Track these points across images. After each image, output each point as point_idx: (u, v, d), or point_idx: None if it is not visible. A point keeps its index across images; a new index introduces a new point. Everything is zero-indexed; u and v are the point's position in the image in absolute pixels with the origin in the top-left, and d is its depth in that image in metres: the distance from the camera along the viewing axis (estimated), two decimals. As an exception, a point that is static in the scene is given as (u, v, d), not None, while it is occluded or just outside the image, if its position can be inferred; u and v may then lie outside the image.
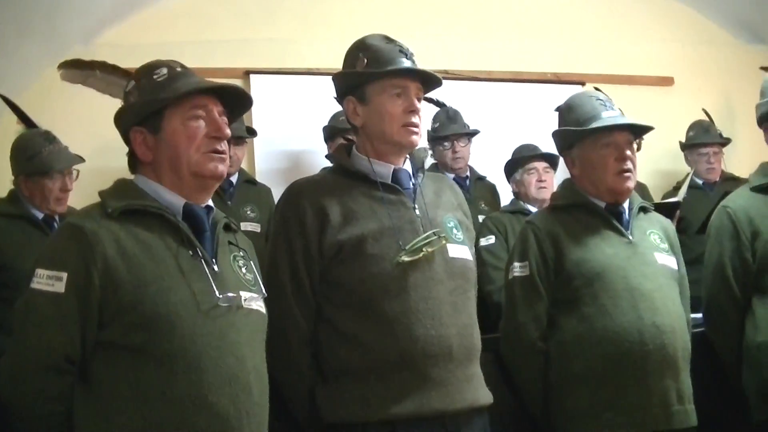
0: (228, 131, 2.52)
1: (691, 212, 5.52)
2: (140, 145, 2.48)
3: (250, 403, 2.37)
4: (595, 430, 3.11)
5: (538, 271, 3.25)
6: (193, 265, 2.38)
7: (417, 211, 2.91)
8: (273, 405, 2.54)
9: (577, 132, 3.32)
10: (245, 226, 5.27)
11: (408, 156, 3.03)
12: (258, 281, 2.58)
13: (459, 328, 2.84)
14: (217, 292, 2.37)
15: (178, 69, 2.54)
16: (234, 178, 5.46)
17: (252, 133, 5.58)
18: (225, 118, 2.54)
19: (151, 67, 2.55)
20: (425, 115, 5.49)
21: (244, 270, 2.54)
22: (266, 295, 2.59)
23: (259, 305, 2.52)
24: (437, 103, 5.78)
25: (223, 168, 2.51)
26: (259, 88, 6.09)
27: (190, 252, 2.40)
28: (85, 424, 2.27)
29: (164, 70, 2.52)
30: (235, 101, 2.62)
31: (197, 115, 2.47)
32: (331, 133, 5.48)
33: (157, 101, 2.46)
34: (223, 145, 2.51)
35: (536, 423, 3.29)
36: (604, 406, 3.10)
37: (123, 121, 2.52)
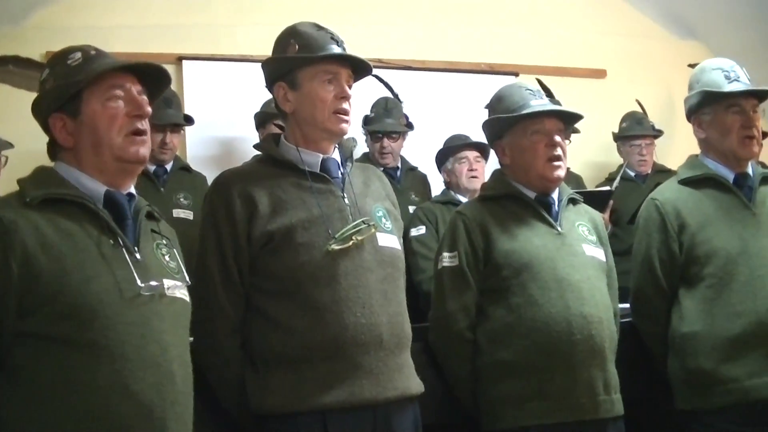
0: (148, 109, 2.47)
1: (623, 204, 5.59)
2: (60, 131, 2.43)
3: (174, 391, 2.35)
4: (522, 418, 3.13)
5: (467, 261, 3.25)
6: (114, 253, 2.35)
7: (346, 200, 2.91)
8: (204, 394, 2.53)
9: (507, 119, 3.33)
10: (178, 213, 5.24)
11: (337, 145, 3.02)
12: (182, 269, 2.55)
13: (389, 317, 2.84)
14: (139, 281, 2.34)
15: (93, 52, 2.50)
16: (169, 165, 5.41)
17: (189, 120, 5.52)
18: (145, 97, 2.49)
19: (64, 53, 2.51)
20: (363, 103, 5.58)
21: (167, 258, 2.51)
22: (190, 283, 2.56)
23: (182, 293, 2.49)
24: (389, 88, 5.76)
25: (145, 151, 2.47)
26: (192, 74, 6.06)
27: (111, 240, 2.36)
28: (8, 414, 2.23)
29: (78, 55, 2.48)
30: (154, 80, 2.57)
31: (116, 95, 2.43)
32: (262, 119, 5.44)
33: (73, 84, 2.41)
34: (144, 124, 2.46)
35: (465, 411, 3.30)
36: (532, 395, 3.12)
37: (41, 109, 2.48)
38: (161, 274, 2.44)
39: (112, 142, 2.41)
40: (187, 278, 2.56)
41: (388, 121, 5.66)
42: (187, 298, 2.53)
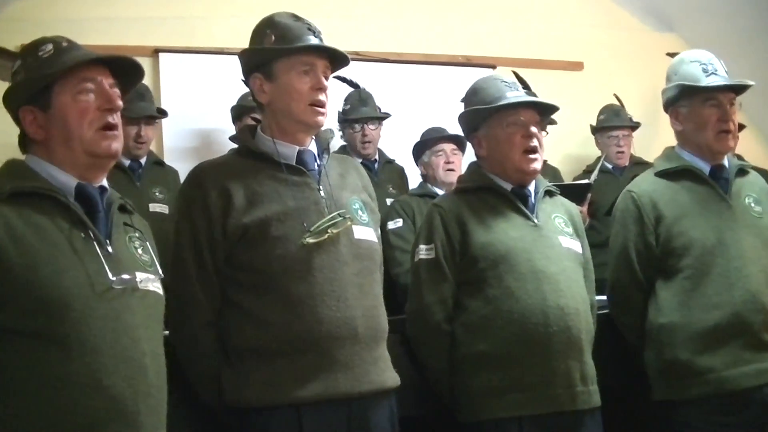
0: (119, 103, 2.46)
1: (601, 196, 5.60)
2: (31, 124, 2.42)
3: (147, 385, 2.34)
4: (499, 410, 3.13)
5: (443, 253, 3.25)
6: (86, 246, 2.34)
7: (322, 193, 2.90)
8: (181, 388, 2.52)
9: (483, 111, 3.33)
10: (154, 207, 5.24)
11: (314, 137, 3.01)
12: (155, 262, 2.54)
13: (365, 310, 2.84)
14: (110, 274, 2.33)
15: (65, 44, 2.47)
16: (143, 160, 5.40)
17: (163, 113, 5.50)
18: (117, 90, 2.47)
19: (36, 45, 2.48)
20: (336, 96, 5.56)
21: (140, 251, 2.50)
22: (163, 276, 2.55)
23: (155, 286, 2.49)
24: (351, 83, 5.75)
25: (116, 146, 2.45)
26: (168, 66, 6.03)
27: (83, 234, 2.35)
28: None
29: (50, 46, 2.45)
30: (127, 73, 2.55)
31: (87, 89, 2.41)
32: (238, 112, 5.43)
33: (44, 76, 2.40)
34: (115, 118, 2.44)
35: (443, 403, 3.30)
36: (509, 387, 3.13)
37: (12, 101, 2.45)
38: (134, 267, 2.43)
39: (83, 136, 2.40)
40: (160, 271, 2.55)
41: (365, 110, 5.67)
42: (161, 291, 2.52)
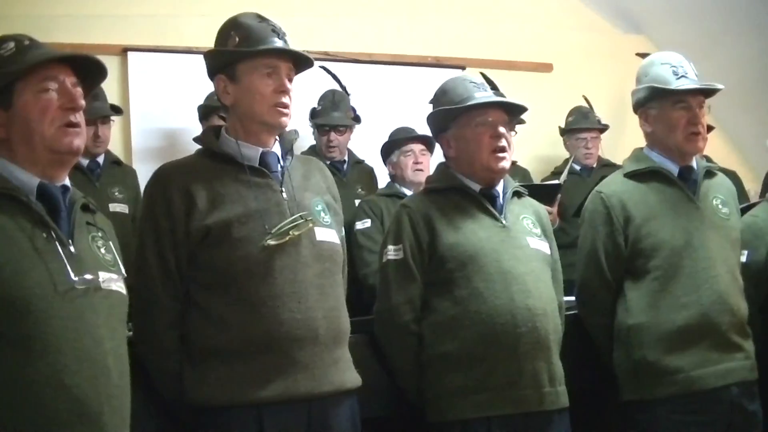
0: (82, 102, 2.44)
1: (569, 197, 5.61)
2: None
3: (110, 385, 2.33)
4: (467, 410, 3.13)
5: (412, 254, 3.25)
6: (48, 246, 2.31)
7: (284, 195, 2.91)
8: (147, 387, 2.51)
9: (452, 111, 3.34)
10: (113, 207, 5.22)
11: (278, 138, 3.02)
12: (118, 262, 2.52)
13: (326, 312, 2.85)
14: (72, 274, 2.31)
15: (26, 42, 2.45)
16: (101, 159, 5.38)
17: (117, 111, 5.47)
18: (80, 89, 2.45)
19: None
20: (311, 95, 5.56)
21: (103, 250, 2.48)
22: (126, 275, 2.54)
23: (119, 286, 2.47)
24: (338, 82, 5.74)
25: (79, 142, 2.43)
26: (137, 65, 5.99)
27: (45, 233, 2.33)
28: None
29: (11, 44, 2.43)
30: (90, 72, 2.53)
31: (49, 87, 2.39)
32: (205, 112, 5.42)
33: (5, 75, 2.37)
34: (78, 117, 2.42)
35: (411, 404, 3.29)
36: (477, 388, 3.13)
37: None
38: (96, 266, 2.41)
39: (45, 134, 2.38)
40: (123, 271, 2.53)
41: (335, 115, 5.65)
42: (124, 291, 2.51)
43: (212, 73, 2.98)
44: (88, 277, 2.35)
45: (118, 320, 2.47)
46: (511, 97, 3.45)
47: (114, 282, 2.45)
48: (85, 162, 5.23)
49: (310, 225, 2.88)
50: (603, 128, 6.45)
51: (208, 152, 2.98)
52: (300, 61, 2.99)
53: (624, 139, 6.12)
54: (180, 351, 2.82)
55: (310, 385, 2.78)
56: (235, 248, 2.79)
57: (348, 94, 5.80)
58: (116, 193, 5.31)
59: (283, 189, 2.92)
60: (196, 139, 3.05)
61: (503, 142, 3.31)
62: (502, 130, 3.31)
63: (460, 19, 6.96)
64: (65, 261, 2.32)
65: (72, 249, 2.37)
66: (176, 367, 2.81)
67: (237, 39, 2.90)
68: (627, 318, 3.46)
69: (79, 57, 2.49)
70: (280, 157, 2.99)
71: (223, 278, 2.79)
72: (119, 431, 2.37)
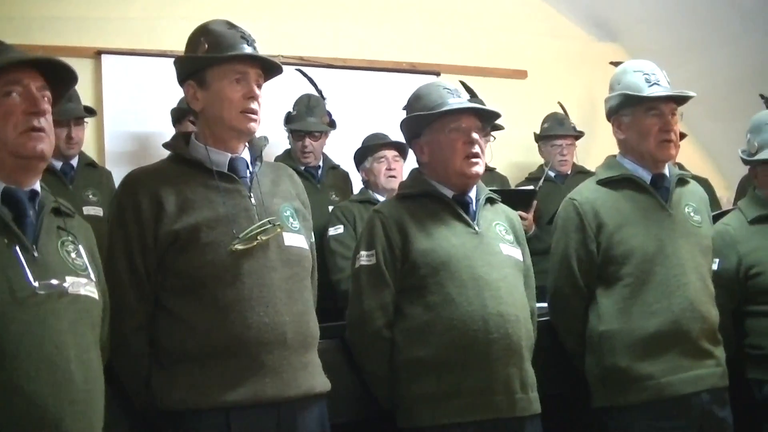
0: (46, 106, 2.42)
1: (543, 204, 5.63)
2: None
3: (74, 390, 2.31)
4: (439, 416, 3.13)
5: (384, 259, 3.25)
6: (8, 252, 2.30)
7: (253, 200, 2.93)
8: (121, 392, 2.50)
9: (425, 117, 3.34)
10: (88, 210, 5.16)
11: (247, 144, 3.03)
12: (88, 266, 2.51)
13: (294, 316, 2.86)
14: (33, 280, 2.30)
15: None
16: (74, 161, 5.34)
17: (91, 112, 5.44)
18: (47, 93, 2.44)
19: None
20: (286, 99, 5.55)
21: (73, 255, 2.47)
22: (96, 280, 2.53)
23: (89, 290, 2.45)
24: (311, 81, 5.74)
25: (43, 146, 2.42)
26: (110, 68, 5.96)
27: (6, 239, 2.32)
28: None
29: None
30: (60, 76, 2.51)
31: (12, 91, 2.38)
32: (178, 115, 5.39)
33: None
34: (42, 122, 2.41)
35: (383, 409, 3.29)
36: (449, 393, 3.13)
37: None
38: (63, 271, 2.39)
39: (8, 139, 2.36)
40: (93, 275, 2.51)
41: (310, 120, 5.64)
42: (95, 295, 2.49)
43: (182, 79, 2.99)
44: (53, 282, 2.33)
45: (87, 325, 2.45)
46: (486, 104, 3.46)
47: (83, 286, 2.43)
48: (58, 164, 5.19)
49: (278, 230, 2.90)
50: (578, 135, 6.47)
51: (177, 158, 2.99)
52: (269, 68, 3.00)
53: (597, 146, 6.14)
54: (149, 355, 2.82)
55: (279, 388, 2.78)
56: (204, 253, 2.79)
57: (324, 98, 5.79)
58: (90, 196, 5.26)
59: (252, 194, 2.94)
60: (166, 145, 3.06)
61: (476, 148, 3.32)
62: (475, 136, 3.32)
63: (436, 25, 6.98)
64: (26, 267, 2.30)
65: (36, 254, 2.35)
66: (144, 371, 2.81)
67: (206, 45, 2.91)
68: (598, 324, 3.47)
69: (46, 61, 2.47)
70: (249, 163, 3.00)
71: (191, 283, 2.80)
72: None
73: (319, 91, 5.84)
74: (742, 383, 3.72)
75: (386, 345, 3.24)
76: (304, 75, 5.71)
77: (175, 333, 2.79)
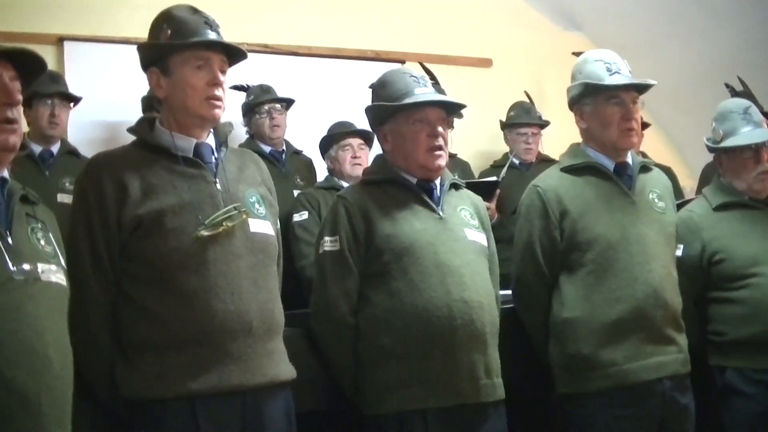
0: (19, 97, 2.39)
1: (509, 192, 5.64)
2: None
3: (51, 376, 2.29)
4: (404, 403, 3.13)
5: (348, 246, 3.24)
6: None
7: (218, 186, 2.90)
8: (77, 380, 2.49)
9: (389, 108, 3.33)
10: (63, 198, 5.09)
11: (212, 130, 3.00)
12: (58, 253, 2.49)
13: (259, 304, 2.84)
14: (10, 264, 2.28)
15: None
16: (55, 148, 5.30)
17: (75, 100, 5.40)
18: (17, 84, 2.41)
19: None
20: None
21: (42, 242, 2.45)
22: (66, 267, 2.51)
23: (58, 277, 2.44)
24: (241, 88, 5.74)
25: (15, 139, 2.39)
26: (73, 55, 5.91)
27: None
28: None
29: None
30: (29, 66, 2.48)
31: None
32: (149, 103, 5.35)
33: None
34: (14, 112, 2.38)
35: (347, 397, 3.29)
36: (413, 380, 3.13)
37: None
38: (35, 258, 2.38)
39: None
40: (63, 262, 2.50)
41: (269, 97, 5.68)
42: (64, 283, 2.47)
43: (145, 66, 2.96)
44: (26, 267, 2.32)
45: (59, 312, 2.44)
46: (449, 95, 3.46)
47: (53, 273, 2.42)
48: (37, 150, 5.17)
49: (244, 216, 2.87)
50: (544, 124, 6.49)
51: (141, 143, 2.96)
52: (233, 54, 2.98)
53: (559, 134, 6.17)
54: (112, 344, 2.79)
55: (244, 376, 2.77)
56: (168, 239, 2.77)
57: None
58: (67, 184, 5.16)
59: (217, 180, 2.91)
60: (130, 130, 3.04)
61: (440, 141, 3.31)
62: (440, 129, 3.31)
63: (401, 13, 6.97)
64: (4, 252, 2.29)
65: (9, 241, 2.33)
66: (107, 360, 2.78)
67: (169, 32, 2.88)
68: (562, 311, 3.48)
69: (16, 50, 2.44)
70: (214, 149, 2.98)
71: (155, 270, 2.77)
72: (59, 423, 2.33)
73: (247, 87, 5.83)
74: (704, 370, 3.74)
75: (350, 332, 3.22)
76: (235, 87, 5.68)
77: (138, 322, 2.76)
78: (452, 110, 3.46)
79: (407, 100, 3.30)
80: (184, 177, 2.86)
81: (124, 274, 2.81)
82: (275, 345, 2.91)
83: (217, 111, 2.91)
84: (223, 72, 2.94)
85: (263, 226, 2.95)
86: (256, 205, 2.97)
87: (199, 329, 2.73)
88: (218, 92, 2.90)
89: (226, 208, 2.85)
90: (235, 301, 2.78)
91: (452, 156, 5.96)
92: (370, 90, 3.47)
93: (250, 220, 2.90)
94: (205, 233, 2.78)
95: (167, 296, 2.75)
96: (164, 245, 2.76)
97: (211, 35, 2.89)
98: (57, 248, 2.52)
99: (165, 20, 2.91)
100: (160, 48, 2.89)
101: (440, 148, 3.31)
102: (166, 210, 2.78)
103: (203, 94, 2.88)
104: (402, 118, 3.33)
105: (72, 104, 5.41)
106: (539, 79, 7.02)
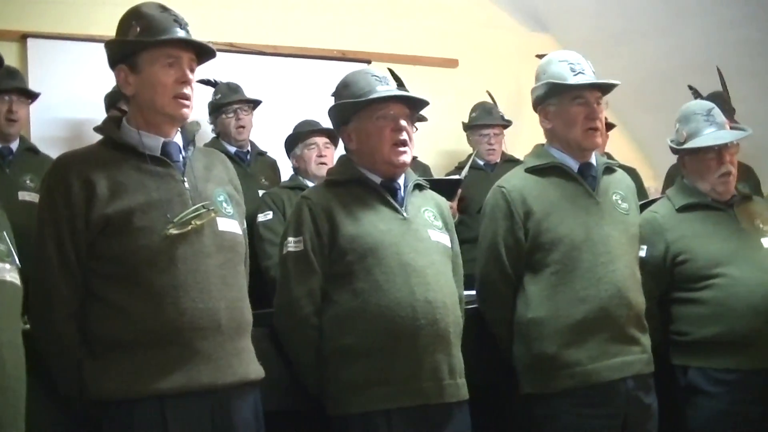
0: None
1: (473, 192, 5.64)
2: None
3: (5, 377, 2.28)
4: (368, 403, 3.12)
5: (312, 246, 3.23)
6: None
7: (186, 184, 2.89)
8: (43, 381, 2.46)
9: (353, 104, 3.33)
10: (23, 195, 5.10)
11: (180, 129, 2.99)
12: (12, 252, 2.47)
13: (228, 302, 2.84)
14: None
15: None
16: (14, 145, 5.26)
17: (33, 95, 5.36)
18: None
19: None
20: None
21: None
22: (20, 266, 2.48)
23: (12, 277, 2.42)
24: (209, 83, 5.72)
25: None
26: (37, 52, 5.85)
27: None
28: None
29: None
30: None
31: None
32: (112, 101, 5.32)
33: None
34: None
35: (311, 397, 3.28)
36: (377, 380, 3.13)
37: None
38: None
39: None
40: (17, 261, 2.47)
41: (236, 97, 5.66)
42: (18, 282, 2.45)
43: (113, 64, 2.94)
44: None
45: (12, 311, 2.41)
46: (416, 93, 3.46)
47: (8, 272, 2.40)
48: None
49: (213, 215, 2.87)
50: (506, 124, 6.49)
51: (109, 141, 2.94)
52: (202, 52, 2.97)
53: (526, 135, 6.18)
54: (79, 344, 2.77)
55: (213, 375, 2.76)
56: (137, 238, 2.76)
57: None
58: (27, 182, 5.16)
59: (185, 179, 2.90)
60: (97, 129, 3.02)
61: (404, 136, 3.32)
62: (403, 123, 3.32)
63: (367, 13, 6.96)
64: None
65: None
66: (75, 359, 2.75)
67: (138, 29, 2.87)
68: (526, 312, 3.49)
69: None
70: (181, 148, 2.97)
71: (123, 268, 2.76)
72: (13, 424, 2.32)
73: (215, 83, 5.80)
74: (667, 369, 3.76)
75: (314, 332, 3.22)
76: (203, 82, 5.65)
77: (107, 320, 2.74)
78: (416, 107, 3.46)
79: (370, 97, 3.30)
80: (152, 175, 2.85)
81: (92, 272, 2.79)
82: (244, 344, 2.91)
83: (185, 110, 2.91)
84: (192, 70, 2.93)
85: (231, 224, 2.95)
86: (224, 204, 2.97)
87: (168, 327, 2.72)
88: (187, 90, 2.89)
89: (195, 207, 2.84)
90: (204, 299, 2.78)
91: (413, 158, 5.96)
92: (333, 96, 3.47)
93: (219, 219, 2.90)
94: (174, 231, 2.77)
95: (136, 294, 2.74)
96: (133, 243, 2.75)
97: (181, 33, 2.89)
98: (11, 247, 2.49)
99: (134, 17, 2.90)
100: (130, 45, 2.88)
101: (405, 143, 3.32)
102: (134, 208, 2.77)
103: (172, 92, 2.87)
104: (365, 115, 3.33)
105: (30, 100, 5.37)
106: (506, 79, 7.03)
